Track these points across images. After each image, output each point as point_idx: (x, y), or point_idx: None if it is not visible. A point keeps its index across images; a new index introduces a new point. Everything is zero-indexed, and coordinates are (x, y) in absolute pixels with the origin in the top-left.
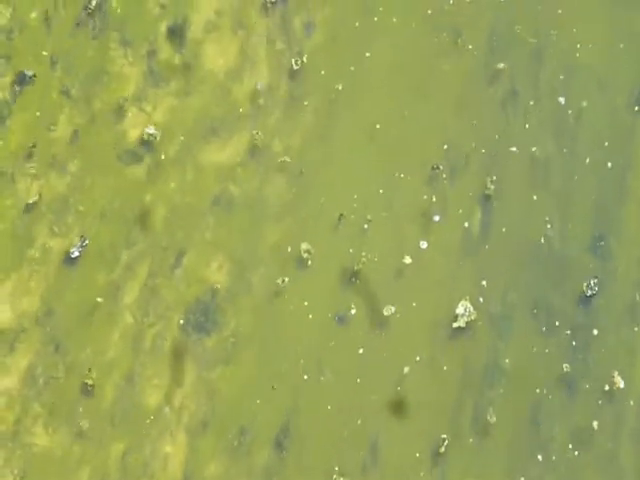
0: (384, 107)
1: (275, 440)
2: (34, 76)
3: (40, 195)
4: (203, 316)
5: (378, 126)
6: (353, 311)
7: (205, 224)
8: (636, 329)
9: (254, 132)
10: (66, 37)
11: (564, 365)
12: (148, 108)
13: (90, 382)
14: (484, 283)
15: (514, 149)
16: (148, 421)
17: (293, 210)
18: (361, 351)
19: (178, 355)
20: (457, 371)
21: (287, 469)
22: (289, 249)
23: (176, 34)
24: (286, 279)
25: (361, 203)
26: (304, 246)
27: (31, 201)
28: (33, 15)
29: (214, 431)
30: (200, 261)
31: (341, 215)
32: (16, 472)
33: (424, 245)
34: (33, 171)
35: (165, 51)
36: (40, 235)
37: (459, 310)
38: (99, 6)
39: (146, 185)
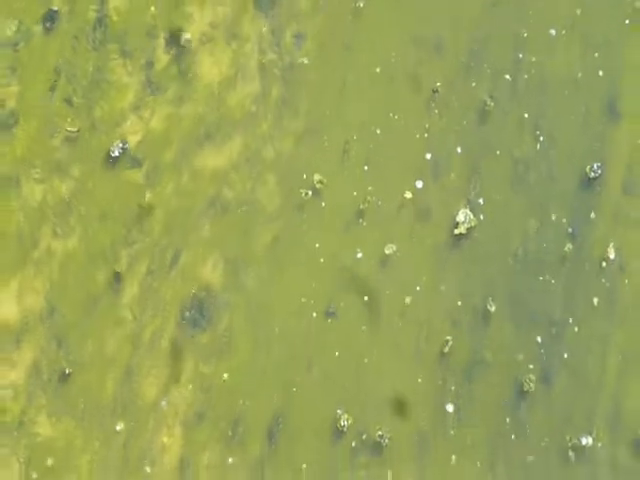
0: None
1: (267, 430)
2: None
3: (44, 198)
4: (198, 312)
5: (378, 70)
6: (359, 255)
7: (201, 225)
8: None
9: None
10: (69, 49)
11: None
12: (146, 115)
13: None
14: (481, 201)
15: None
16: (146, 413)
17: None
18: (366, 298)
19: (175, 350)
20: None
21: (278, 457)
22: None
23: (172, 45)
24: (309, 193)
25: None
26: (317, 177)
27: (35, 204)
28: (37, 28)
29: (209, 422)
30: (196, 260)
31: (346, 143)
32: (22, 460)
33: (420, 184)
34: (37, 176)
35: (162, 61)
36: (44, 237)
37: (459, 218)
38: (100, 20)
39: (144, 188)
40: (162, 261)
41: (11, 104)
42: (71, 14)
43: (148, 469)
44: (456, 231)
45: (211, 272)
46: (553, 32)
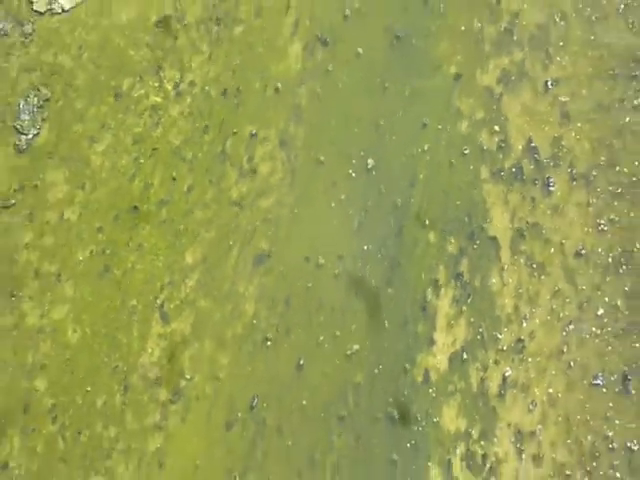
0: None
1: (285, 300)
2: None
3: (200, 220)
4: (259, 260)
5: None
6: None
7: (258, 224)
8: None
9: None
10: (203, 162)
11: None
12: (239, 185)
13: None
14: (373, 160)
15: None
16: (238, 297)
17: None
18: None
19: (252, 272)
20: None
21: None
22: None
23: (249, 165)
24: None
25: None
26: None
27: (196, 223)
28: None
29: (264, 298)
30: (260, 237)
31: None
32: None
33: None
34: (202, 208)
35: (245, 167)
36: (200, 232)
37: (369, 162)
38: (223, 151)
39: (240, 213)
40: (247, 237)
41: (187, 183)
42: (209, 148)
43: (238, 320)
44: (368, 167)
45: (264, 244)
46: None
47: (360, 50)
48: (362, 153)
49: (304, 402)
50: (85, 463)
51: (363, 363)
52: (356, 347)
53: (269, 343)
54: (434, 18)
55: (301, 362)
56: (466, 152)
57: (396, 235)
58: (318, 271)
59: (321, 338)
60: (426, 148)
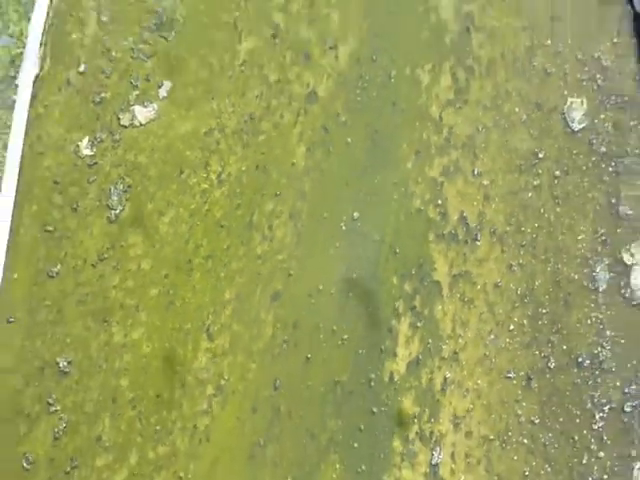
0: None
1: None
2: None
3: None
4: (274, 295)
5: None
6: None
7: (274, 272)
8: None
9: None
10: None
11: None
12: (262, 246)
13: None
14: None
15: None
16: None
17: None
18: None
19: (271, 297)
20: None
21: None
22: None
23: (269, 231)
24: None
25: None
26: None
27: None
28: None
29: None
30: (276, 281)
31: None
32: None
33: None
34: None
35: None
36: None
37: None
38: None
39: (262, 264)
40: (267, 281)
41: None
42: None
43: (261, 339)
44: (354, 218)
45: (279, 285)
46: None
47: (349, 139)
48: (350, 211)
49: (310, 383)
50: (154, 437)
51: (350, 346)
52: (346, 336)
53: (285, 346)
54: (399, 114)
55: (308, 356)
56: (421, 209)
57: (374, 263)
58: (318, 294)
59: (321, 336)
60: (395, 197)
